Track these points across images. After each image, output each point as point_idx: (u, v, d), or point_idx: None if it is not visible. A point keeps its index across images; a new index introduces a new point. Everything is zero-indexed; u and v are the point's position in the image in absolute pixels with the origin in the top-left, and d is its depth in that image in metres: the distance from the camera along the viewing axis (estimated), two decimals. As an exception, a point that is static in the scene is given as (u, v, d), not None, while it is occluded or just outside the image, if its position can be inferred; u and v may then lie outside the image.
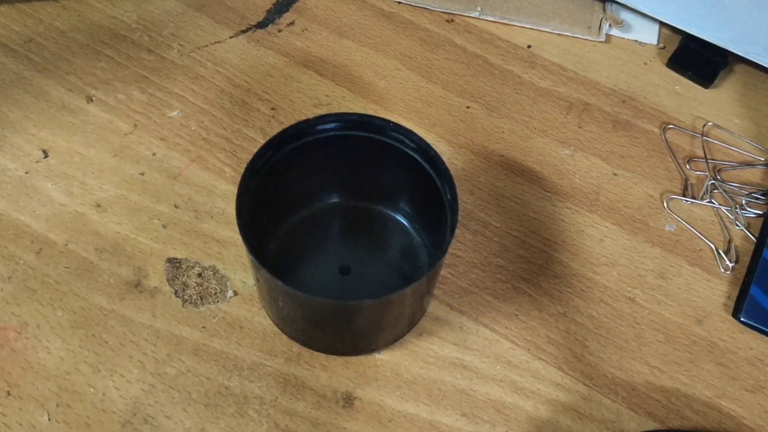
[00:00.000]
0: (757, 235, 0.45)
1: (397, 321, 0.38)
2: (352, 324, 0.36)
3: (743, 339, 0.42)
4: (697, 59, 0.53)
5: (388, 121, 0.38)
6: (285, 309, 0.37)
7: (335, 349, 0.39)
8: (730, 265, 0.44)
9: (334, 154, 0.40)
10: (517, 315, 0.41)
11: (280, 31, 0.53)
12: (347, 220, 0.43)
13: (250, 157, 0.36)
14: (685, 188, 0.47)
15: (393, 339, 0.39)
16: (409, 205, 0.42)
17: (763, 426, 0.39)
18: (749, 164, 0.49)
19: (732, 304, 0.43)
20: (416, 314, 0.40)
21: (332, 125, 0.38)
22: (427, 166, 0.38)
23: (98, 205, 0.43)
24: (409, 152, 0.38)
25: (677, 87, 0.53)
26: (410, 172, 0.38)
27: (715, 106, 0.52)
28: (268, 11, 0.54)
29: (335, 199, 0.43)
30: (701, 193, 0.47)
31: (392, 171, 0.40)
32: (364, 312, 0.35)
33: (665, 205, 0.47)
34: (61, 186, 0.44)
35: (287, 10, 0.54)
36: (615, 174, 0.48)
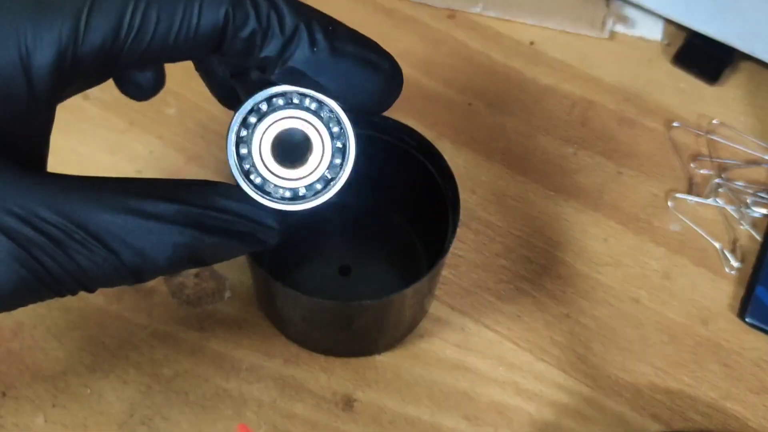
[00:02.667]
0: (762, 234, 0.45)
1: (398, 322, 0.37)
2: (351, 325, 0.36)
3: (748, 340, 0.41)
4: (702, 56, 0.53)
5: (388, 119, 0.37)
6: (284, 310, 0.36)
7: (335, 351, 0.38)
8: (736, 265, 0.44)
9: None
10: (519, 316, 0.41)
11: (279, 27, 0.52)
12: (347, 219, 0.43)
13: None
14: (690, 187, 0.47)
15: (393, 341, 0.39)
16: (410, 204, 0.41)
17: (767, 428, 0.38)
18: (755, 163, 0.48)
19: (737, 304, 0.42)
20: (417, 315, 0.39)
21: None
22: (428, 164, 0.37)
23: (95, 204, 0.43)
24: (410, 150, 0.38)
25: (682, 84, 0.52)
26: (411, 170, 0.38)
27: (720, 103, 0.51)
28: (268, 7, 0.54)
29: (335, 198, 0.43)
30: (706, 192, 0.47)
31: (393, 169, 0.39)
32: (364, 313, 0.34)
33: (670, 204, 0.46)
34: (57, 184, 0.43)
35: (287, 6, 0.54)
36: (619, 172, 0.47)
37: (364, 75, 0.25)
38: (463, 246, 0.43)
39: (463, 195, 0.45)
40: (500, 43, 0.53)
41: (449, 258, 0.43)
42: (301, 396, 0.37)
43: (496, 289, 0.42)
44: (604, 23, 0.55)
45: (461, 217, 0.41)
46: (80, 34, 0.21)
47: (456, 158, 0.47)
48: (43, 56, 0.21)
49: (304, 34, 0.23)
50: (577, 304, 0.42)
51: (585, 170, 0.47)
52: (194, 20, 0.22)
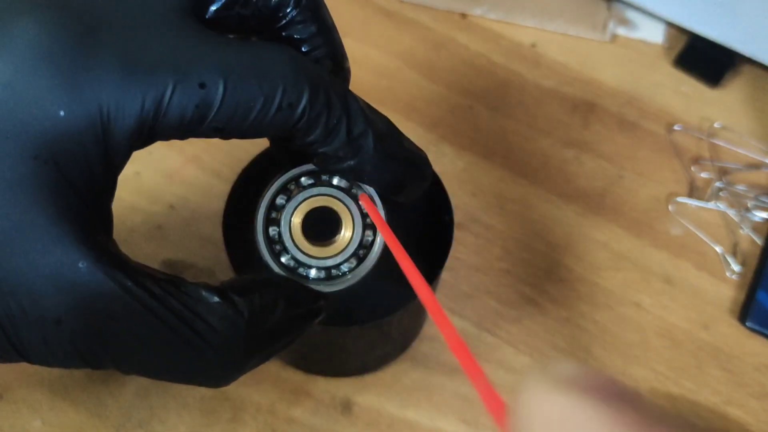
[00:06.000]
0: (763, 238, 0.45)
1: (384, 345, 0.37)
2: (342, 348, 0.35)
3: (750, 345, 0.41)
4: (704, 59, 0.52)
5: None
6: None
7: (329, 372, 0.38)
8: (737, 269, 0.43)
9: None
10: (519, 320, 0.41)
11: (279, 28, 0.52)
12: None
13: (249, 157, 0.35)
14: (691, 191, 0.47)
15: (383, 360, 0.38)
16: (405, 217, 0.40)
17: (769, 434, 0.38)
18: (756, 166, 0.48)
19: (738, 309, 0.42)
20: (412, 332, 0.38)
21: None
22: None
23: (93, 205, 0.43)
24: None
25: (684, 87, 0.52)
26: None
27: (722, 106, 0.51)
28: (268, 8, 0.53)
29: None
30: (707, 196, 0.46)
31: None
32: (349, 336, 0.34)
33: (671, 207, 0.46)
34: (55, 185, 0.43)
35: (287, 8, 0.54)
36: (620, 176, 0.47)
37: (404, 179, 0.25)
38: (463, 249, 0.43)
39: (464, 198, 0.45)
40: (501, 46, 0.53)
41: (449, 261, 0.42)
42: (299, 400, 0.37)
43: (496, 292, 0.41)
44: (605, 26, 0.54)
45: (461, 220, 0.41)
46: (162, 108, 0.20)
47: (457, 161, 0.47)
48: (124, 125, 0.20)
49: (364, 140, 0.23)
50: (577, 308, 0.41)
51: (586, 173, 0.47)
52: (272, 111, 0.21)
